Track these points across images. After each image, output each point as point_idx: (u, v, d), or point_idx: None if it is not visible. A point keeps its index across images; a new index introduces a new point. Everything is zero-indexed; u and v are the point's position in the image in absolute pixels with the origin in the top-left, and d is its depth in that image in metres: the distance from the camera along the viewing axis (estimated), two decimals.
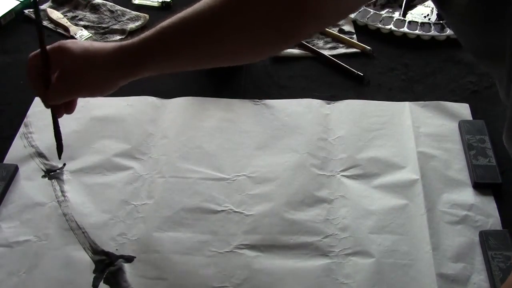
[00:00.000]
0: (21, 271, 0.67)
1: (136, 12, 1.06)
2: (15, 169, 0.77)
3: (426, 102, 0.86)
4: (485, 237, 0.67)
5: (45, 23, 1.06)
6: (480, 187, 0.74)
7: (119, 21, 1.05)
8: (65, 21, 1.05)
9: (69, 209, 0.73)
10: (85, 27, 1.04)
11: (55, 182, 0.77)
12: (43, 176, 0.78)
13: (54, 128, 0.69)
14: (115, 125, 0.84)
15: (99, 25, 1.05)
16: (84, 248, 0.69)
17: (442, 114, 0.84)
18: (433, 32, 0.99)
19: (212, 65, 0.65)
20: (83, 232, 0.71)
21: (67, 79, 0.61)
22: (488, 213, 0.71)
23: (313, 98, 0.87)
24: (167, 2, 1.10)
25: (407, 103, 0.86)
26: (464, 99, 0.87)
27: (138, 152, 0.80)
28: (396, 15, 1.04)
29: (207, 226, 0.71)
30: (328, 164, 0.78)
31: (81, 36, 1.00)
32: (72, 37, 1.01)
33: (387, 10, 1.06)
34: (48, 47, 0.62)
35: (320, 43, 0.99)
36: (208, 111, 0.86)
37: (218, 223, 0.71)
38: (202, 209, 0.73)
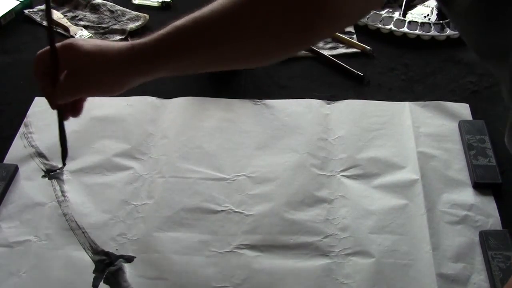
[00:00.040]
0: (21, 271, 0.67)
1: (136, 12, 1.06)
2: (15, 169, 0.77)
3: (426, 102, 0.86)
4: (485, 237, 0.67)
5: (45, 23, 1.06)
6: (480, 187, 0.74)
7: (119, 21, 1.05)
8: (65, 21, 1.05)
9: (69, 209, 0.73)
10: (85, 27, 1.04)
11: (55, 182, 0.77)
12: (43, 176, 0.78)
13: (59, 132, 0.66)
14: (115, 125, 0.84)
15: (99, 25, 1.05)
16: (84, 248, 0.69)
17: (442, 114, 0.84)
18: (433, 32, 0.99)
19: (226, 67, 0.64)
20: (83, 232, 0.71)
21: (78, 76, 0.60)
22: (488, 213, 0.71)
23: (313, 98, 0.87)
24: (167, 2, 1.10)
25: (407, 103, 0.86)
26: (464, 99, 0.87)
27: (138, 152, 0.80)
28: (396, 15, 1.04)
29: (207, 226, 0.71)
30: (328, 164, 0.78)
31: (81, 36, 1.00)
32: (72, 37, 1.01)
33: (387, 10, 1.06)
34: (57, 44, 0.60)
35: (320, 43, 0.99)
36: (208, 111, 0.86)
37: (218, 223, 0.71)
38: (202, 209, 0.73)
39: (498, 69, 0.48)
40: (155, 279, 0.66)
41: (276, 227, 0.71)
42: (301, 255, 0.68)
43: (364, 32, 1.01)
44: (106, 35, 1.02)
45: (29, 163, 0.79)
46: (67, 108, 0.64)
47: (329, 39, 0.99)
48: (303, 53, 0.96)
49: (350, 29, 1.02)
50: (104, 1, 1.09)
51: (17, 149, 0.81)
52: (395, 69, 0.94)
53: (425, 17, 1.04)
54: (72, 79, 0.60)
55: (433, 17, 1.04)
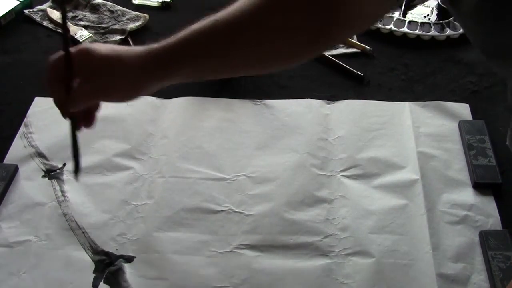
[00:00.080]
0: (21, 271, 0.67)
1: (136, 12, 1.06)
2: (15, 169, 0.77)
3: (426, 102, 0.86)
4: (485, 237, 0.67)
5: (45, 23, 1.06)
6: (480, 187, 0.74)
7: (119, 21, 1.05)
8: None
9: (69, 209, 0.73)
10: (85, 27, 1.04)
11: (55, 182, 0.77)
12: (43, 176, 0.78)
13: (72, 144, 0.63)
14: (115, 125, 0.84)
15: (99, 25, 1.05)
16: (84, 248, 0.69)
17: (442, 114, 0.84)
18: (433, 32, 0.99)
19: (243, 72, 0.62)
20: (83, 232, 0.71)
21: (93, 81, 0.58)
22: (488, 213, 0.71)
23: (313, 98, 0.87)
24: (167, 2, 1.10)
25: (407, 103, 0.86)
26: (464, 99, 0.87)
27: (138, 152, 0.80)
28: (396, 15, 1.04)
29: (207, 226, 0.71)
30: (328, 164, 0.78)
31: (81, 36, 1.00)
32: (72, 37, 1.01)
33: None
34: (71, 49, 0.58)
35: None
36: (208, 111, 0.86)
37: (218, 223, 0.71)
38: (202, 209, 0.73)
39: (504, 68, 0.48)
40: (155, 279, 0.66)
41: (276, 227, 0.71)
42: (301, 255, 0.68)
43: (364, 32, 1.01)
44: (106, 35, 1.02)
45: (29, 163, 0.79)
46: (80, 117, 0.62)
47: None
48: None
49: None
50: (104, 1, 1.09)
51: (17, 149, 0.81)
52: (395, 69, 0.94)
53: (425, 17, 1.04)
54: (87, 85, 0.58)
55: (433, 17, 1.04)
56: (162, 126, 0.84)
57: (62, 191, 0.75)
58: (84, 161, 0.78)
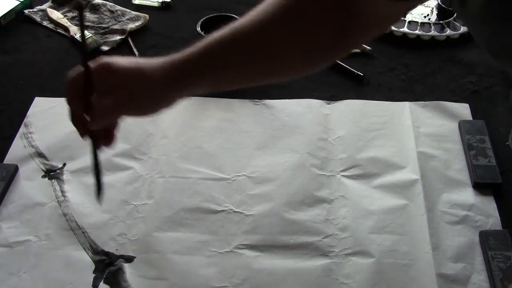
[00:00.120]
0: (21, 271, 0.67)
1: (136, 12, 1.06)
2: (15, 169, 0.77)
3: (426, 102, 0.86)
4: (485, 237, 0.67)
5: (45, 23, 1.06)
6: (480, 187, 0.74)
7: (119, 21, 1.05)
8: (65, 21, 1.05)
9: (69, 209, 0.73)
10: (85, 27, 1.04)
11: (55, 182, 0.77)
12: (43, 176, 0.78)
13: (94, 164, 0.61)
14: None
15: (99, 25, 1.05)
16: (84, 248, 0.69)
17: (442, 114, 0.84)
18: (433, 32, 0.99)
19: (265, 81, 0.61)
20: (83, 232, 0.71)
21: (117, 95, 0.55)
22: (488, 213, 0.71)
23: (313, 98, 0.87)
24: (167, 2, 1.10)
25: (407, 103, 0.86)
26: (464, 99, 0.87)
27: (138, 152, 0.80)
28: None
29: (207, 226, 0.71)
30: (328, 164, 0.78)
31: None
32: (72, 37, 1.01)
33: None
34: (90, 63, 0.55)
35: None
36: (208, 111, 0.86)
37: (218, 223, 0.71)
38: (202, 209, 0.73)
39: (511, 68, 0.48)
40: (155, 279, 0.66)
41: (276, 227, 0.71)
42: (301, 255, 0.68)
43: None
44: (106, 35, 1.02)
45: (29, 163, 0.79)
46: (99, 136, 0.59)
47: None
48: None
49: None
50: (104, 1, 1.09)
51: (17, 149, 0.81)
52: (395, 69, 0.94)
53: (425, 17, 1.04)
54: (109, 100, 0.55)
55: (433, 17, 1.04)
56: (162, 126, 0.84)
57: (62, 191, 0.75)
58: (84, 161, 0.79)
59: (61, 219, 0.72)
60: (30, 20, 1.07)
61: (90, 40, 0.99)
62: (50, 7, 1.10)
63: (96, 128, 0.57)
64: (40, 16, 1.08)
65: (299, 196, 0.74)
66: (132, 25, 1.03)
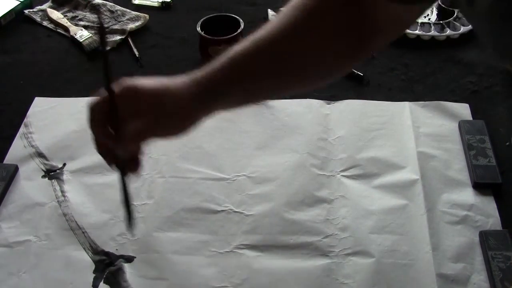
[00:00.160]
0: (21, 271, 0.67)
1: (136, 12, 1.06)
2: (15, 169, 0.77)
3: (426, 102, 0.86)
4: (485, 237, 0.67)
5: (45, 23, 1.06)
6: (480, 187, 0.74)
7: (119, 21, 1.05)
8: (65, 21, 1.05)
9: (69, 209, 0.73)
10: (85, 27, 1.04)
11: (55, 182, 0.77)
12: (43, 176, 0.78)
13: (124, 194, 0.59)
14: None
15: (99, 25, 1.04)
16: (84, 248, 0.69)
17: (442, 114, 0.84)
18: (433, 32, 0.98)
19: (292, 90, 0.61)
20: (83, 232, 0.71)
21: (145, 118, 0.53)
22: (488, 213, 0.71)
23: (313, 98, 0.87)
24: (167, 2, 1.10)
25: (407, 103, 0.86)
26: (464, 99, 0.87)
27: None
28: None
29: (207, 226, 0.71)
30: (328, 164, 0.78)
31: (81, 36, 1.00)
32: (72, 37, 1.01)
33: None
34: (115, 88, 0.53)
35: None
36: None
37: (218, 223, 0.71)
38: (202, 209, 0.73)
39: None
40: (155, 279, 0.66)
41: (276, 227, 0.71)
42: (301, 255, 0.68)
43: None
44: (106, 35, 1.02)
45: (29, 163, 0.79)
46: (125, 164, 0.57)
47: None
48: None
49: None
50: (104, 1, 1.09)
51: (17, 149, 0.81)
52: (395, 69, 0.94)
53: (425, 17, 1.04)
54: (137, 124, 0.53)
55: (433, 17, 1.04)
56: None
57: (62, 191, 0.75)
58: (84, 161, 0.79)
59: (61, 219, 0.72)
60: (30, 20, 1.07)
61: (90, 40, 1.00)
62: (50, 7, 1.10)
63: (124, 155, 0.56)
64: (40, 16, 1.08)
65: (299, 196, 0.74)
66: (132, 25, 1.03)
